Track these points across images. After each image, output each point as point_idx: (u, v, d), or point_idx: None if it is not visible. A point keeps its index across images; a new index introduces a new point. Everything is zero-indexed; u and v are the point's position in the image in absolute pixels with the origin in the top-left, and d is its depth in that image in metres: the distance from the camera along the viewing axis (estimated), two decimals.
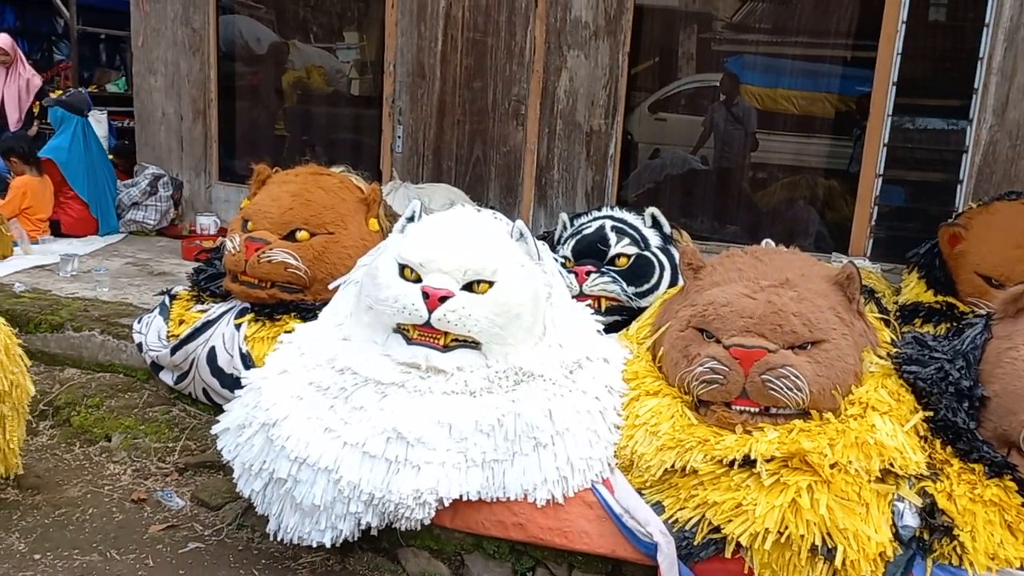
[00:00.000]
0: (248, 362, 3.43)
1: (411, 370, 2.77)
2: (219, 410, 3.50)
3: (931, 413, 2.57)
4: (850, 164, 5.32)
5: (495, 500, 2.66)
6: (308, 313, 3.46)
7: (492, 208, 4.05)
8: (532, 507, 2.64)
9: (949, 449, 2.51)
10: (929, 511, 2.38)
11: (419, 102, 5.46)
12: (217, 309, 3.67)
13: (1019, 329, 2.60)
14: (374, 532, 2.73)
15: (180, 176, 6.14)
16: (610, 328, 3.44)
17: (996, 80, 4.52)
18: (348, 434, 2.67)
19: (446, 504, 2.62)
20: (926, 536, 2.36)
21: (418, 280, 2.79)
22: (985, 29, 4.53)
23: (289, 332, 3.16)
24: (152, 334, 3.75)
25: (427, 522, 2.65)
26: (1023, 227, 3.97)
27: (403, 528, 2.67)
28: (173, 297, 3.90)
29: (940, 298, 4.02)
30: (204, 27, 5.96)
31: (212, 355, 3.55)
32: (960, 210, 4.53)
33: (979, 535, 2.34)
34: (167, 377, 3.77)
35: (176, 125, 6.13)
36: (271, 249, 3.52)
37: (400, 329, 2.82)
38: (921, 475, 2.46)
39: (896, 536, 2.36)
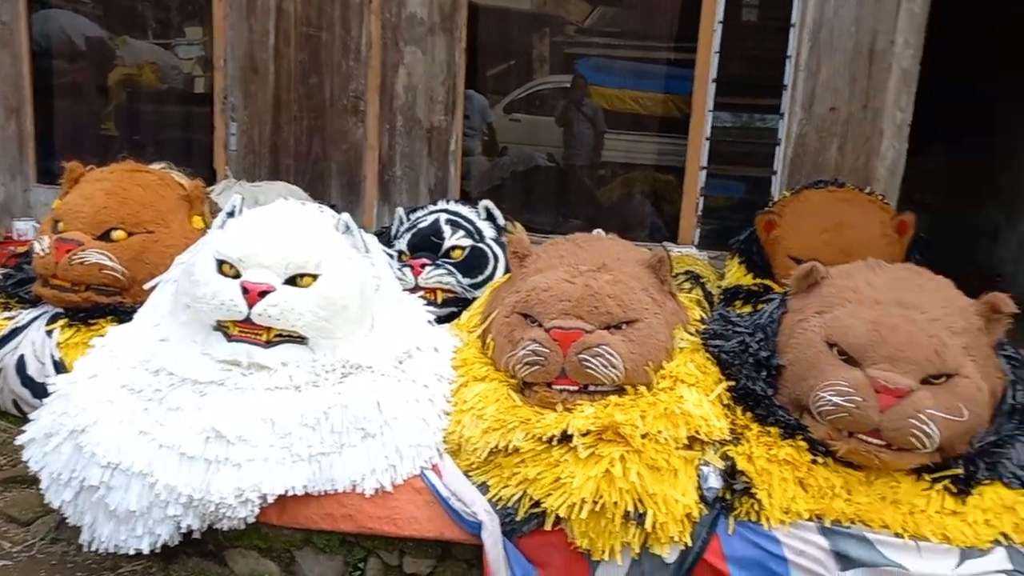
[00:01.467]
0: (61, 370, 3.24)
1: (232, 368, 2.71)
2: None
3: (733, 383, 2.76)
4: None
5: (323, 493, 2.64)
6: (127, 317, 3.28)
7: (334, 206, 4.02)
8: (361, 497, 2.64)
9: (749, 415, 2.70)
10: (731, 473, 2.55)
11: (253, 98, 5.31)
12: (26, 316, 3.44)
13: (810, 303, 2.82)
14: (197, 535, 2.65)
15: None
16: (448, 319, 3.48)
17: (803, 76, 4.86)
18: (163, 436, 2.58)
19: (270, 501, 2.58)
20: (728, 496, 2.52)
21: (238, 276, 2.73)
22: (792, 29, 4.87)
23: (93, 344, 3.00)
24: None
25: (251, 520, 2.59)
26: (829, 213, 4.30)
27: (226, 528, 2.60)
28: None
29: (758, 281, 4.29)
30: (14, 21, 5.57)
31: (21, 364, 3.33)
32: (775, 199, 4.86)
33: (775, 492, 2.52)
34: None
35: None
36: (84, 250, 3.34)
37: (220, 327, 2.75)
38: (724, 440, 2.63)
39: (702, 498, 2.52)
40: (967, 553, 2.42)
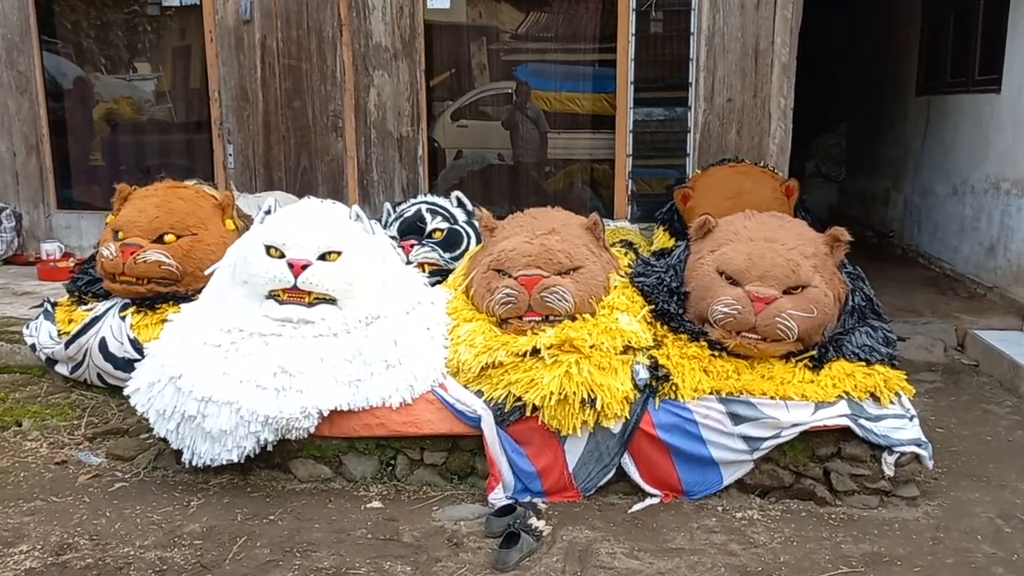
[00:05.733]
0: (137, 345, 4.13)
1: (285, 324, 3.63)
2: (115, 390, 4.20)
3: (653, 306, 3.77)
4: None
5: (361, 409, 3.57)
6: (183, 301, 4.18)
7: None
8: (389, 410, 3.58)
9: (665, 328, 3.72)
10: (654, 367, 3.57)
11: (245, 122, 6.21)
12: (101, 307, 4.33)
13: (705, 246, 3.85)
14: (270, 448, 3.57)
15: (19, 208, 6.51)
16: (433, 286, 4.44)
17: (703, 75, 5.93)
18: (242, 374, 3.50)
19: (324, 415, 3.51)
20: (653, 383, 3.54)
21: (282, 256, 3.66)
22: (692, 37, 5.94)
23: (170, 318, 3.88)
24: (43, 335, 4.35)
25: (312, 431, 3.53)
26: (731, 184, 5.38)
27: (294, 438, 3.52)
28: (54, 304, 4.50)
29: (679, 244, 5.32)
30: (30, 69, 6.39)
31: (103, 344, 4.21)
32: (689, 176, 5.93)
33: (686, 378, 3.54)
34: (62, 369, 4.38)
35: (10, 161, 6.50)
36: (145, 251, 4.23)
37: (272, 295, 3.67)
38: (649, 346, 3.64)
39: (635, 386, 3.52)
40: (820, 406, 3.48)
